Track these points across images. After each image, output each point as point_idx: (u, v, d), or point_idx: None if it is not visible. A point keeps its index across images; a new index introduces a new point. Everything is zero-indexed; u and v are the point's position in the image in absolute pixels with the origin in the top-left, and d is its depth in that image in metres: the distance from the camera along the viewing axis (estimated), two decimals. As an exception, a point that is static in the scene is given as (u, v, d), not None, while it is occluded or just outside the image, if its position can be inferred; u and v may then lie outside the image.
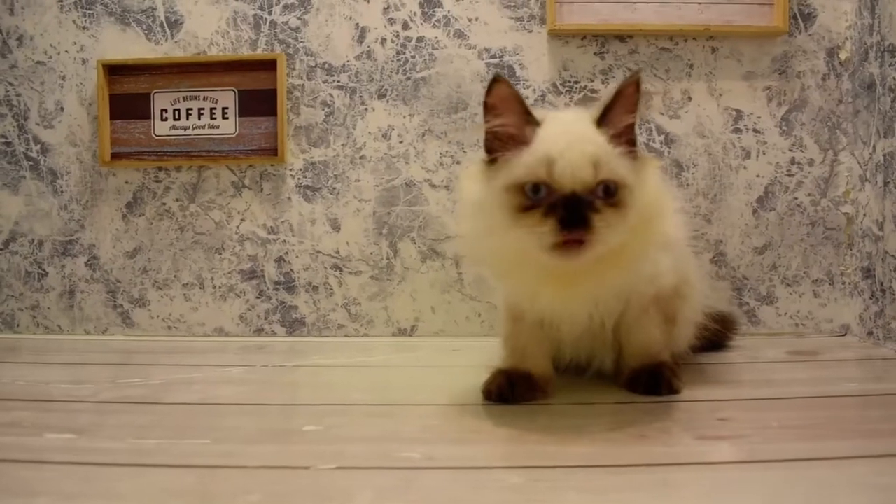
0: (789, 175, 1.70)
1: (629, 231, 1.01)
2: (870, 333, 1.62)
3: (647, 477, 0.85)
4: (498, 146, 1.03)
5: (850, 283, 1.70)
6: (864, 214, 1.64)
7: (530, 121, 1.03)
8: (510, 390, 1.13)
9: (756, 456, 0.91)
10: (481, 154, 1.08)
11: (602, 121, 1.02)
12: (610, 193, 0.99)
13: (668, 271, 1.16)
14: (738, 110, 1.69)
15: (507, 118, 1.03)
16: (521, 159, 1.00)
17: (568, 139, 1.00)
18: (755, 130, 1.70)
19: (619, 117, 1.02)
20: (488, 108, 1.03)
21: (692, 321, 1.31)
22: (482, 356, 1.30)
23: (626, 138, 1.03)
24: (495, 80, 1.02)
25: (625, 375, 1.21)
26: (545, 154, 0.99)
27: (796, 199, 1.70)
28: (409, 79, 1.70)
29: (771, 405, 1.15)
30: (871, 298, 1.62)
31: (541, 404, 1.15)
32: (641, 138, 1.68)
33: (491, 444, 0.98)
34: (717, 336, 1.48)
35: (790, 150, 1.70)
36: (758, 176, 1.70)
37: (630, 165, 1.01)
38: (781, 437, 0.99)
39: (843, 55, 1.69)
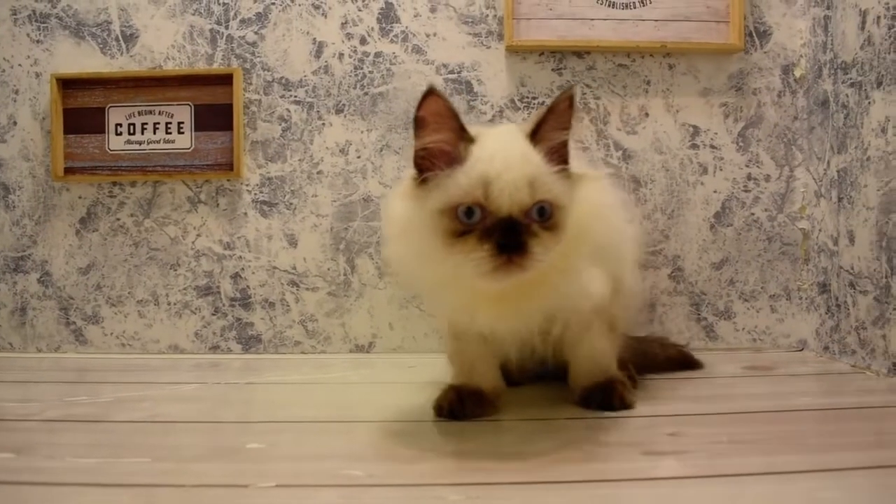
0: (746, 191, 1.71)
1: (562, 249, 0.99)
2: (826, 348, 1.62)
3: (589, 493, 0.84)
4: (429, 164, 0.99)
5: (806, 298, 1.71)
6: (820, 230, 1.65)
7: (465, 137, 0.99)
8: (461, 406, 1.13)
9: (701, 471, 0.91)
10: (410, 171, 1.04)
11: (535, 137, 0.99)
12: (545, 215, 0.97)
13: (603, 282, 1.12)
14: (695, 126, 1.70)
15: (440, 134, 0.98)
16: (456, 179, 0.96)
17: (504, 159, 0.96)
18: (712, 146, 1.70)
19: (551, 134, 1.00)
20: (420, 123, 0.99)
21: (626, 315, 1.30)
22: (438, 373, 1.31)
23: (559, 156, 1.00)
24: (428, 93, 0.98)
25: (577, 393, 1.20)
26: (481, 174, 0.95)
27: (753, 214, 1.71)
28: (366, 94, 1.69)
29: (724, 420, 1.15)
30: (826, 313, 1.62)
31: (491, 420, 1.15)
32: (599, 154, 1.69)
33: (434, 462, 0.96)
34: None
35: (747, 166, 1.71)
36: (715, 191, 1.71)
37: (564, 185, 0.99)
38: (730, 452, 0.99)
39: (797, 72, 1.71)
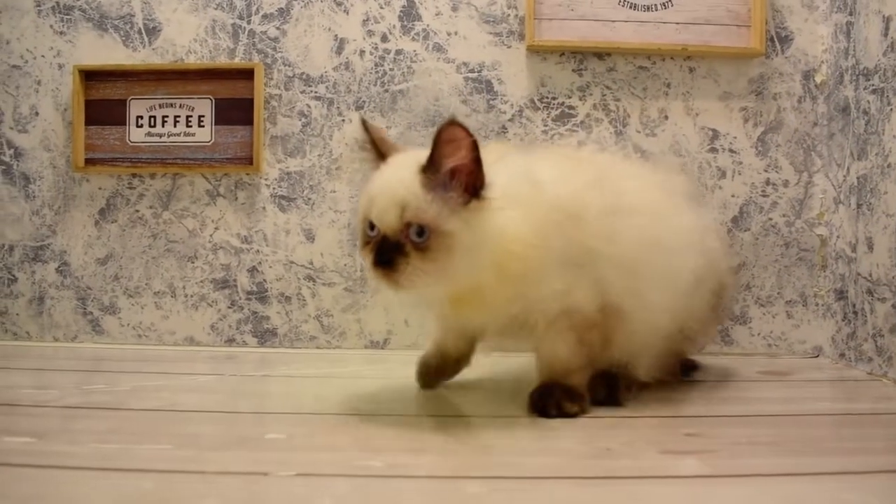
0: (764, 196, 1.71)
1: (484, 268, 1.05)
2: (842, 355, 1.62)
3: (611, 489, 0.84)
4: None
5: (822, 305, 1.71)
6: (838, 236, 1.65)
7: (382, 158, 1.12)
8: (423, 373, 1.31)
9: (723, 470, 0.90)
10: None
11: (428, 167, 1.04)
12: (422, 236, 1.03)
13: (578, 290, 1.11)
14: (714, 130, 1.70)
15: (366, 154, 1.14)
16: (363, 193, 1.10)
17: (385, 181, 1.07)
18: (731, 150, 1.70)
19: (440, 162, 1.03)
20: (360, 146, 1.15)
21: (649, 340, 1.22)
22: None
23: (458, 183, 1.04)
24: (362, 123, 1.16)
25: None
26: (369, 194, 1.08)
27: (771, 219, 1.71)
28: (386, 91, 1.70)
29: (741, 422, 1.15)
30: (843, 320, 1.62)
31: (507, 416, 1.15)
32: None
33: (453, 454, 0.96)
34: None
35: (765, 171, 1.71)
36: (733, 196, 1.70)
37: (451, 211, 1.03)
38: (750, 453, 0.98)
39: (818, 78, 1.70)
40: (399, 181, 1.05)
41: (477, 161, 1.04)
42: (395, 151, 1.13)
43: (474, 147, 1.03)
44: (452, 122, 1.01)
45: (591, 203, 1.13)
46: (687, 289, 1.20)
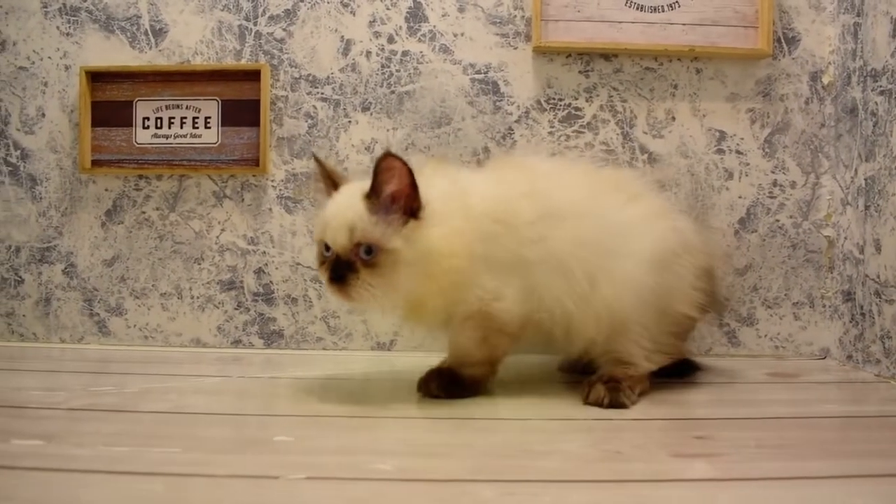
0: (771, 197, 1.70)
1: (425, 281, 1.18)
2: (849, 357, 1.62)
3: (623, 492, 0.84)
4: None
5: (830, 307, 1.70)
6: (846, 238, 1.65)
7: (335, 186, 1.26)
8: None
9: (732, 474, 0.90)
10: None
11: (371, 194, 1.18)
12: (370, 254, 1.17)
13: (505, 296, 1.21)
14: (721, 131, 1.70)
15: (320, 184, 1.30)
16: (318, 219, 1.25)
17: (336, 206, 1.22)
18: (738, 152, 1.70)
19: (381, 189, 1.18)
20: (315, 178, 1.35)
21: (619, 327, 1.26)
22: None
23: (397, 206, 1.18)
24: (314, 158, 1.35)
25: None
26: (324, 218, 1.22)
27: (778, 221, 1.70)
28: (393, 92, 1.70)
29: (749, 425, 1.15)
30: (850, 322, 1.62)
31: (517, 419, 1.15)
32: (625, 157, 1.69)
33: (464, 458, 0.96)
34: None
35: (772, 173, 1.70)
36: (740, 197, 1.70)
37: (394, 230, 1.17)
38: (759, 456, 0.98)
39: (826, 79, 1.70)
40: (348, 206, 1.19)
41: (413, 185, 1.18)
42: (345, 181, 1.28)
43: (409, 174, 1.16)
44: (388, 154, 1.15)
45: (521, 211, 1.23)
46: (650, 270, 1.24)
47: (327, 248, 1.20)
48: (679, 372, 1.44)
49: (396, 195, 1.18)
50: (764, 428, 1.13)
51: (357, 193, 1.20)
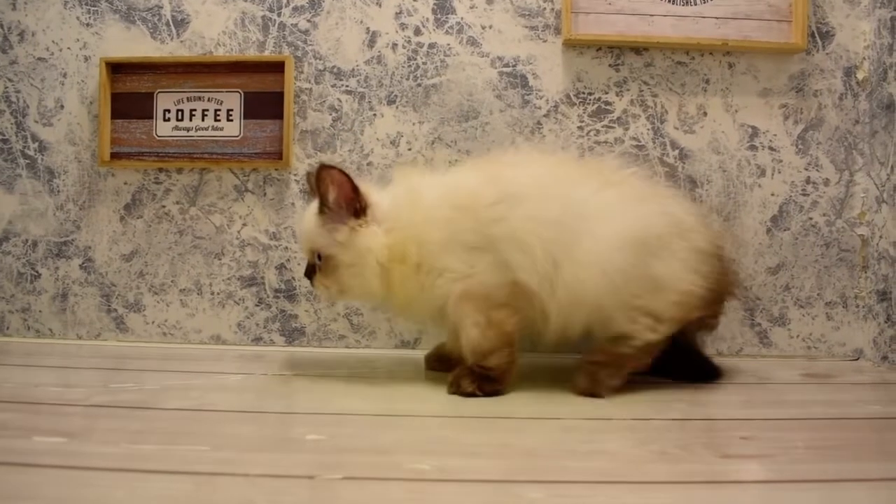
0: (804, 195, 1.66)
1: (372, 277, 1.29)
2: (884, 358, 1.57)
3: (677, 495, 0.80)
4: None
5: (864, 307, 1.66)
6: (881, 236, 1.61)
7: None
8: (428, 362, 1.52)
9: (787, 476, 0.87)
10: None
11: (321, 206, 1.31)
12: (321, 259, 1.32)
13: (479, 271, 1.26)
14: (753, 127, 1.66)
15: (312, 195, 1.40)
16: None
17: (302, 222, 1.38)
18: (771, 148, 1.66)
19: (325, 198, 1.29)
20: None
21: (592, 303, 1.26)
22: None
23: (345, 213, 1.30)
24: (308, 175, 1.46)
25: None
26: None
27: (811, 219, 1.66)
28: (419, 85, 1.66)
29: (792, 426, 1.11)
30: (886, 322, 1.58)
31: (554, 418, 1.12)
32: (656, 152, 1.65)
33: (505, 457, 0.93)
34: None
35: (806, 170, 1.66)
36: (772, 194, 1.66)
37: (333, 239, 1.29)
38: (809, 458, 0.95)
39: (860, 75, 1.66)
40: (307, 220, 1.34)
41: (353, 189, 1.29)
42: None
43: (347, 179, 1.28)
44: (323, 166, 1.28)
45: (480, 195, 1.27)
46: (623, 252, 1.24)
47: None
48: (703, 376, 1.41)
49: (340, 201, 1.29)
50: (806, 429, 1.09)
51: (313, 208, 1.33)
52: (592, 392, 1.25)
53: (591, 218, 1.25)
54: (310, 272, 1.35)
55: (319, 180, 1.28)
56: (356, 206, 1.30)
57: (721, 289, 1.36)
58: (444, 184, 1.32)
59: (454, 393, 1.25)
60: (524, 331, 1.30)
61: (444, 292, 1.27)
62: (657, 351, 1.29)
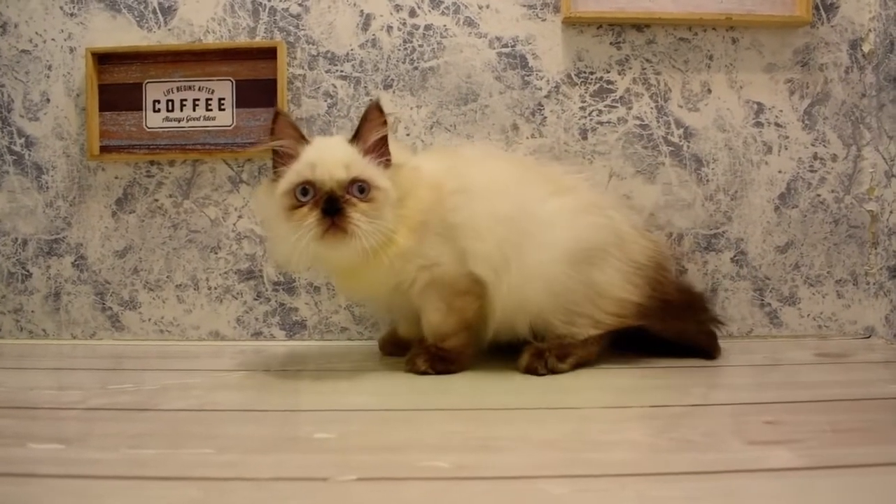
0: (812, 171, 1.63)
1: (390, 229, 1.23)
2: (897, 335, 1.55)
3: (708, 485, 0.77)
4: (280, 164, 1.28)
5: (874, 284, 1.63)
6: (891, 212, 1.57)
7: (303, 142, 1.28)
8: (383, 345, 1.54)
9: (819, 461, 0.83)
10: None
11: (355, 139, 1.27)
12: (363, 192, 1.23)
13: (444, 261, 1.29)
14: (759, 103, 1.62)
15: (285, 140, 1.28)
16: (294, 168, 1.26)
17: (327, 148, 1.27)
18: (777, 124, 1.62)
19: (367, 135, 1.27)
20: (273, 133, 1.29)
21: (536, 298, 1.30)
22: (489, 360, 1.34)
23: (378, 152, 1.27)
24: (276, 114, 1.30)
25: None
26: (310, 160, 1.25)
27: (819, 196, 1.63)
28: (416, 69, 1.62)
29: (815, 408, 1.08)
30: (899, 299, 1.55)
31: (568, 408, 1.08)
32: (660, 132, 1.61)
33: (524, 451, 0.89)
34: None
35: (813, 146, 1.63)
36: (780, 172, 1.63)
37: (381, 172, 1.26)
38: (840, 442, 0.91)
39: (866, 47, 1.62)
40: (338, 148, 1.26)
41: (386, 140, 1.28)
42: (312, 138, 1.32)
43: (386, 126, 1.27)
44: (379, 106, 1.27)
45: (444, 183, 1.30)
46: (564, 263, 1.29)
47: (304, 192, 1.23)
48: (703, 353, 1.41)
49: (377, 145, 1.27)
50: (828, 411, 1.06)
51: (340, 140, 1.29)
52: (534, 368, 1.28)
53: (540, 222, 1.30)
54: (333, 206, 1.20)
55: (372, 118, 1.27)
56: (386, 158, 1.29)
57: (661, 297, 1.36)
58: (423, 167, 1.34)
59: (409, 371, 1.32)
60: (482, 319, 1.34)
61: (410, 277, 1.30)
62: (602, 342, 1.34)
